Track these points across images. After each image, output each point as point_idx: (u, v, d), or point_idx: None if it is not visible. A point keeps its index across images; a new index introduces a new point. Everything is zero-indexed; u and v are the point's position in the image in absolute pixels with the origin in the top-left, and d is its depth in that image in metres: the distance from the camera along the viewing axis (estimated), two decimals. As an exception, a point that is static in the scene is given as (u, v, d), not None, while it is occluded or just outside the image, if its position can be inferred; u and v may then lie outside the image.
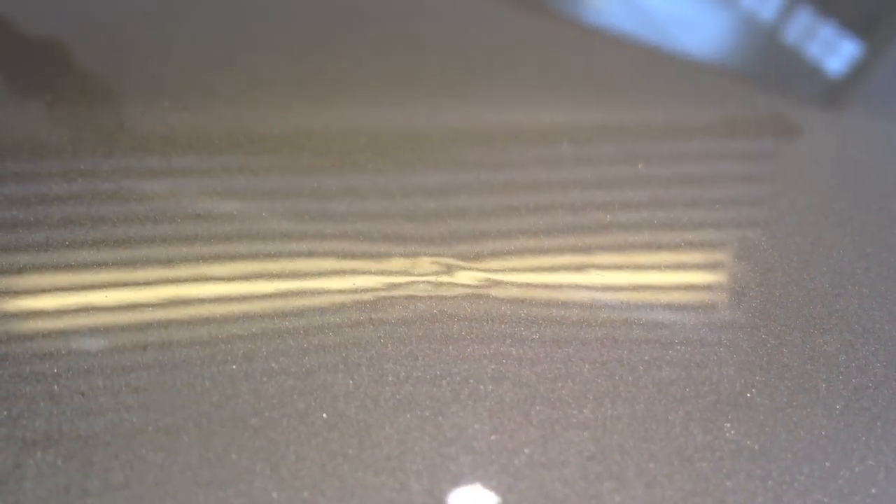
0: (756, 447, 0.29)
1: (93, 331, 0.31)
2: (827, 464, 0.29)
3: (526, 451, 0.28)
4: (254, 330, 0.31)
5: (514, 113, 0.46)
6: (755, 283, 0.36)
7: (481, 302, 0.33)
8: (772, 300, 0.36)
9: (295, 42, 0.50)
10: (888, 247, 0.40)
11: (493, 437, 0.29)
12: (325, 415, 0.29)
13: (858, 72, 0.57)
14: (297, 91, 0.45)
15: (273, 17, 0.52)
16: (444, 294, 0.34)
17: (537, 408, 0.30)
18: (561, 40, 0.55)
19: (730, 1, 0.64)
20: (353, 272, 0.34)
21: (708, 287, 0.37)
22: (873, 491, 0.29)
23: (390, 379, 0.30)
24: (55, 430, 0.27)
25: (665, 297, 0.35)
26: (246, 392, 0.29)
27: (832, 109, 0.54)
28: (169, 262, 0.34)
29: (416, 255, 0.35)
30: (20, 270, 0.33)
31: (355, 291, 0.33)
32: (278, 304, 0.32)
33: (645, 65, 0.54)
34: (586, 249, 0.37)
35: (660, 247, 0.38)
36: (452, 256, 0.35)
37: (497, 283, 0.34)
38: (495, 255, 0.36)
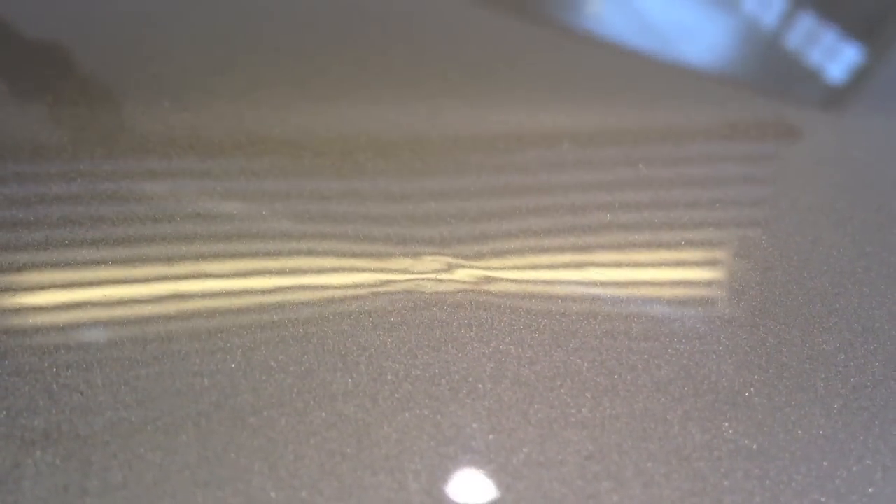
0: (754, 446, 0.29)
1: (92, 329, 0.31)
2: (825, 463, 0.29)
3: (524, 450, 0.28)
4: (252, 328, 0.31)
5: (515, 115, 0.46)
6: (755, 282, 0.36)
7: (481, 300, 0.33)
8: (771, 299, 0.36)
9: (296, 43, 0.50)
10: (888, 246, 0.40)
11: (491, 436, 0.29)
12: (323, 413, 0.29)
13: (860, 76, 0.56)
14: (298, 92, 0.45)
15: (274, 18, 0.52)
16: (444, 292, 0.34)
17: (536, 407, 0.30)
18: (562, 45, 0.55)
19: (731, 7, 0.64)
20: (353, 270, 0.34)
21: (707, 285, 0.37)
22: (870, 490, 0.29)
23: (389, 378, 0.30)
24: (54, 428, 0.27)
25: (664, 296, 0.35)
26: (245, 391, 0.29)
27: (833, 111, 0.54)
28: (168, 260, 0.34)
29: (416, 254, 0.35)
30: (20, 269, 0.33)
31: (354, 289, 0.33)
32: (277, 301, 0.32)
33: (646, 69, 0.54)
34: (586, 248, 0.37)
35: (660, 245, 0.38)
36: (453, 255, 0.35)
37: (497, 282, 0.34)
38: (496, 254, 0.36)
